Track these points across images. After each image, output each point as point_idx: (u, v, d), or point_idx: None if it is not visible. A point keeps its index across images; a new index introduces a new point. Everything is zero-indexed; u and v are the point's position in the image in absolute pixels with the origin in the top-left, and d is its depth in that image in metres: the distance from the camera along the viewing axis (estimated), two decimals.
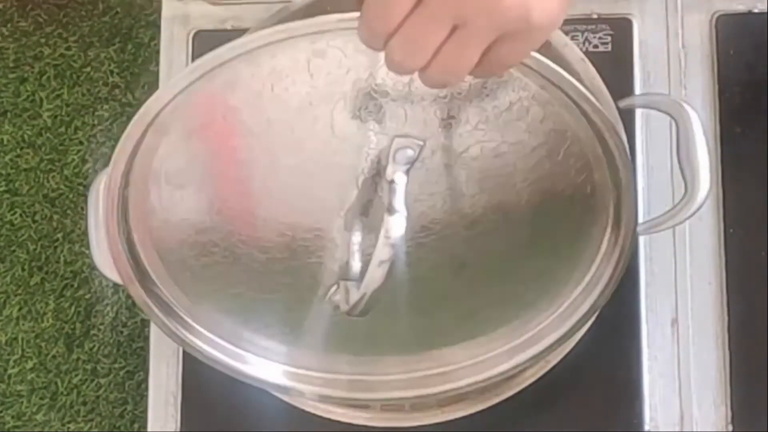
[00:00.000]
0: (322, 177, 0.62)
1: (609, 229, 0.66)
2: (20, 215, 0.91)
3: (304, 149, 0.61)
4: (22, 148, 0.92)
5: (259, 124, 0.60)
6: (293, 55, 0.58)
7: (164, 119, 0.58)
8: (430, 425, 0.68)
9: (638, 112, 0.76)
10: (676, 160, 0.68)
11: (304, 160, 0.62)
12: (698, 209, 0.66)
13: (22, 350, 0.89)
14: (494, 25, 0.48)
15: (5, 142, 0.92)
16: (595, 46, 0.77)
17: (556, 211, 0.65)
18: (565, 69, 0.69)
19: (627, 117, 0.70)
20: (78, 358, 0.89)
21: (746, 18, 0.77)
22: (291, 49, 0.57)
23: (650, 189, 0.76)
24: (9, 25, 0.94)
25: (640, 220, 0.74)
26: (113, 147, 0.91)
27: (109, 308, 0.89)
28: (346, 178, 0.62)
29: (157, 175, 0.61)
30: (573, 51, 0.73)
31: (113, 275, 0.70)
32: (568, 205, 0.65)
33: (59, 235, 0.91)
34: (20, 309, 0.90)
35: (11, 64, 0.93)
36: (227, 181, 0.63)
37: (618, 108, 0.68)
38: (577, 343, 0.67)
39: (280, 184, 0.63)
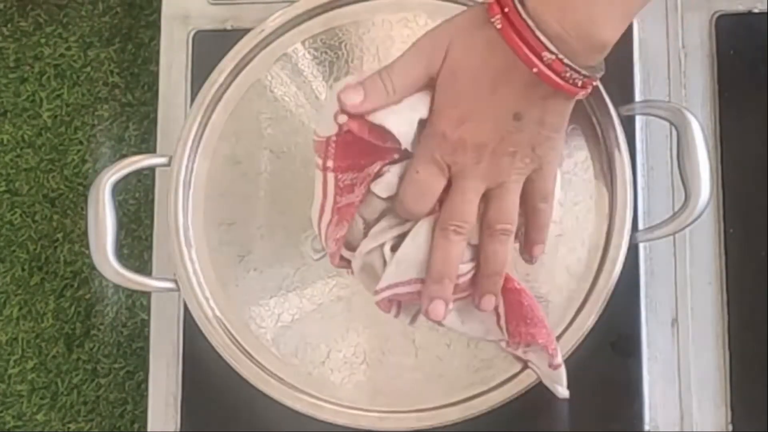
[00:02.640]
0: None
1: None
2: (20, 215, 0.91)
3: None
4: (22, 148, 0.92)
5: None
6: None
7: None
8: (431, 425, 0.67)
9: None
10: (676, 161, 0.68)
11: None
12: (698, 218, 0.66)
13: (23, 350, 0.89)
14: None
15: (5, 142, 0.92)
16: None
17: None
18: None
19: (627, 118, 0.70)
20: (78, 358, 0.89)
21: (746, 18, 0.77)
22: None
23: (650, 190, 0.76)
24: (9, 25, 0.94)
25: (640, 222, 0.75)
26: (113, 147, 0.92)
27: (109, 308, 0.89)
28: None
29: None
30: None
31: (112, 275, 0.70)
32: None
33: (59, 235, 0.91)
34: (20, 309, 0.90)
35: (11, 64, 0.93)
36: None
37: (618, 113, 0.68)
38: (578, 344, 0.67)
39: None
